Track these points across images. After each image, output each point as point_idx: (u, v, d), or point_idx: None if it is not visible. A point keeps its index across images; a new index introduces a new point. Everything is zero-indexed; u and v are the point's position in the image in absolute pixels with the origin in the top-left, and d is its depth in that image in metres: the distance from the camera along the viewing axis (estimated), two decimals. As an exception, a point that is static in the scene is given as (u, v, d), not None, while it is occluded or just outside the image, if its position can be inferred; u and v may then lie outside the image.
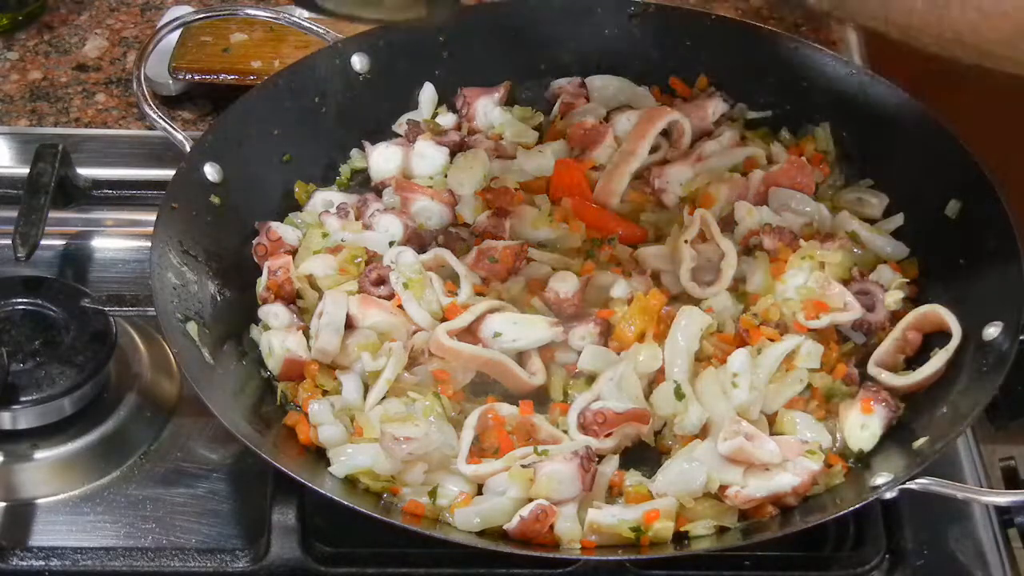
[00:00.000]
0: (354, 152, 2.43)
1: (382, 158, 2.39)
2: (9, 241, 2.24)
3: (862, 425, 2.03)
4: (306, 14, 2.58)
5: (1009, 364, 1.97)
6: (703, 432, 2.03)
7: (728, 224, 2.28)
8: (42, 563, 1.93)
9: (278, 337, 2.10)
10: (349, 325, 2.11)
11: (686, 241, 2.20)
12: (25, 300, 2.14)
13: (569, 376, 2.12)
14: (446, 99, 2.50)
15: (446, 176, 2.34)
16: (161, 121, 2.29)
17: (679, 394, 2.03)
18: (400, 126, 2.46)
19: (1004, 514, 2.03)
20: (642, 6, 2.50)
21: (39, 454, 2.07)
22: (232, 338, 2.13)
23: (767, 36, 2.48)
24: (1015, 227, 2.12)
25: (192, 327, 2.06)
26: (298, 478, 1.88)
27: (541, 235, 2.28)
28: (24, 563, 1.93)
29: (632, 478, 1.98)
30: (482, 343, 2.10)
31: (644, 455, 2.04)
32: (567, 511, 1.90)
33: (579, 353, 2.11)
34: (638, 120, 2.40)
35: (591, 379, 2.09)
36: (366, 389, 2.07)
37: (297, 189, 2.35)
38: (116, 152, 2.55)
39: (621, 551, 1.89)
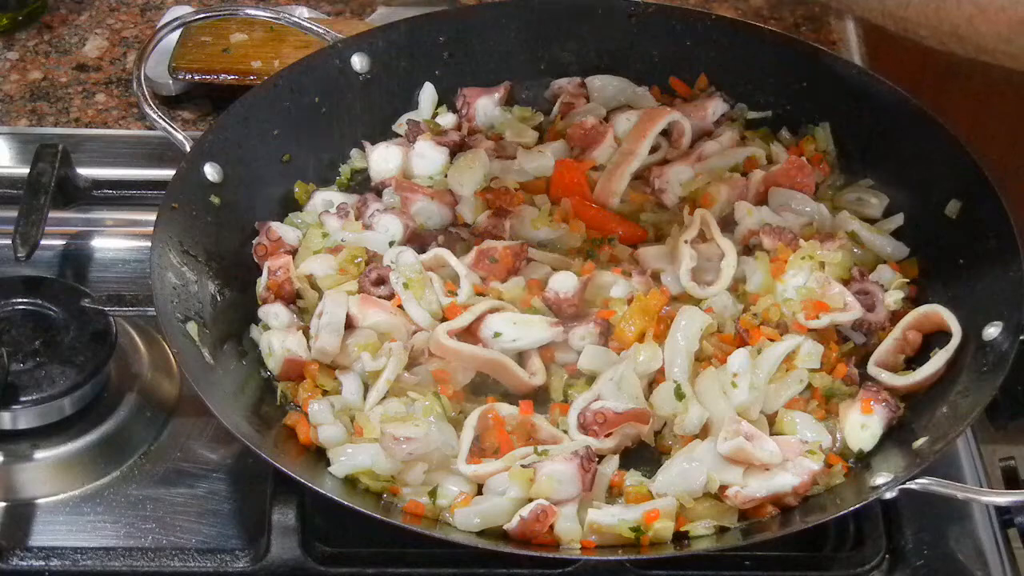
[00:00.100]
0: (354, 152, 2.43)
1: (382, 158, 2.39)
2: (9, 241, 2.24)
3: (862, 425, 2.03)
4: (306, 14, 2.59)
5: (1009, 364, 1.97)
6: (703, 432, 2.03)
7: (728, 224, 2.28)
8: (42, 563, 1.93)
9: (278, 337, 2.10)
10: (349, 325, 2.10)
11: (686, 241, 2.20)
12: (25, 300, 2.14)
13: (569, 376, 2.12)
14: (446, 99, 2.50)
15: (446, 176, 2.34)
16: (161, 121, 2.29)
17: (679, 394, 2.03)
18: (400, 126, 2.46)
19: (1004, 514, 2.03)
20: (642, 6, 2.50)
21: (39, 454, 2.07)
22: (232, 338, 2.13)
23: (767, 36, 2.48)
24: (1015, 227, 2.12)
25: (192, 327, 2.06)
26: (298, 478, 1.88)
27: (541, 235, 2.28)
28: (24, 563, 1.93)
29: (632, 478, 1.98)
30: (482, 343, 2.10)
31: (644, 455, 2.04)
32: (567, 511, 1.90)
33: (579, 353, 2.11)
34: (638, 120, 2.40)
35: (591, 379, 2.09)
36: (366, 389, 2.07)
37: (297, 189, 2.35)
38: (116, 152, 2.55)
39: (621, 551, 1.89)
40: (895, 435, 2.04)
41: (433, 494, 1.94)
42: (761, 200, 2.32)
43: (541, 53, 2.53)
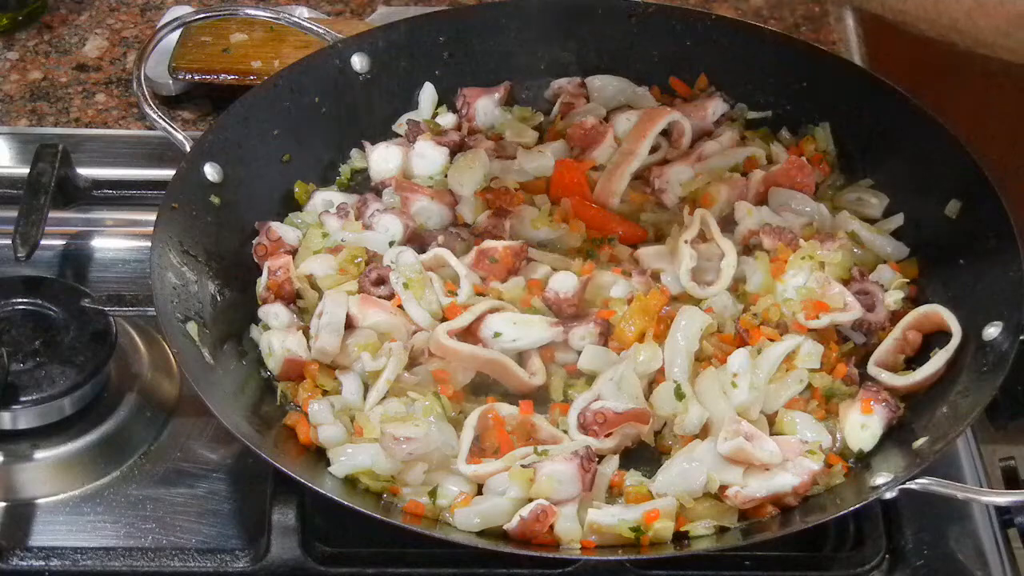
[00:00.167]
0: (354, 152, 2.43)
1: (382, 158, 2.39)
2: (9, 241, 2.24)
3: (862, 425, 2.03)
4: (306, 14, 2.59)
5: (1009, 364, 1.97)
6: (703, 432, 2.03)
7: (728, 224, 2.28)
8: (42, 563, 1.93)
9: (278, 337, 2.10)
10: (349, 325, 2.11)
11: (686, 241, 2.20)
12: (25, 300, 2.14)
13: (569, 376, 2.12)
14: (446, 99, 2.50)
15: (446, 176, 2.34)
16: (161, 121, 2.29)
17: (679, 394, 2.03)
18: (400, 126, 2.46)
19: (1004, 514, 2.03)
20: (642, 6, 2.50)
21: (39, 454, 2.07)
22: (232, 338, 2.13)
23: (767, 36, 2.48)
24: (1015, 227, 2.12)
25: (192, 327, 2.06)
26: (298, 478, 1.88)
27: (541, 235, 2.28)
28: (24, 563, 1.93)
29: (632, 478, 1.98)
30: (482, 343, 2.10)
31: (644, 455, 2.04)
32: (567, 511, 1.90)
33: (579, 353, 2.11)
34: (638, 120, 2.40)
35: (591, 379, 2.09)
36: (366, 389, 2.07)
37: (297, 189, 2.35)
38: (116, 152, 2.55)
39: (621, 551, 1.89)
40: (895, 435, 2.04)
41: (433, 494, 1.94)
42: (761, 200, 2.32)
43: (541, 53, 2.53)
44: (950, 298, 2.16)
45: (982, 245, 2.15)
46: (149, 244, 2.08)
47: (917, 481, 1.89)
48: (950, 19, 1.80)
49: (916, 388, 2.09)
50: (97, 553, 1.94)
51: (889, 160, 2.36)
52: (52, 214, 2.30)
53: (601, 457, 2.00)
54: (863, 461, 2.02)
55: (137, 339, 2.21)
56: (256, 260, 2.24)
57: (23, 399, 2.04)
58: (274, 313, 2.15)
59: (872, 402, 2.03)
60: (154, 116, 2.29)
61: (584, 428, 2.01)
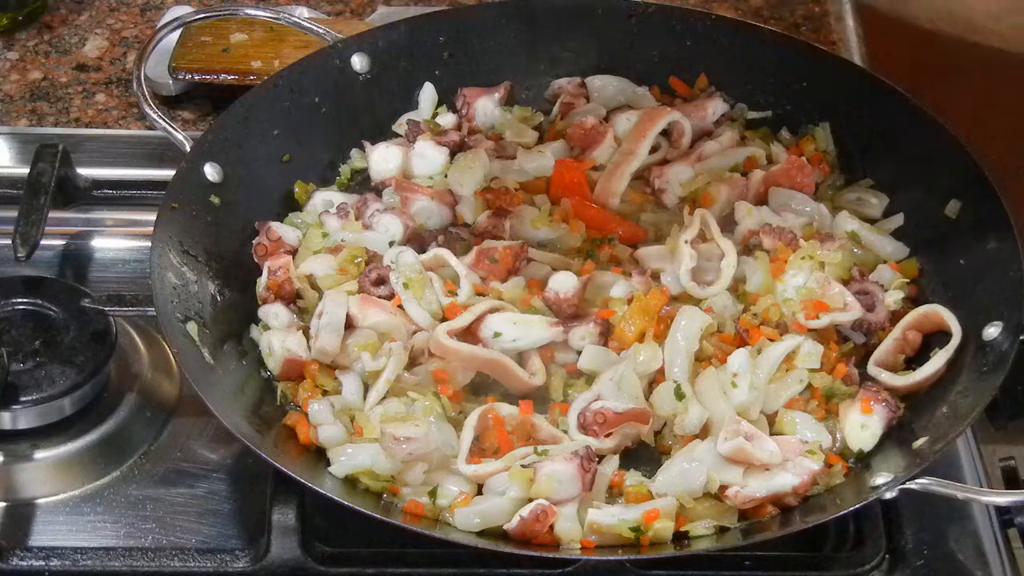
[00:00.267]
0: (354, 152, 2.43)
1: (382, 158, 2.39)
2: (9, 241, 2.24)
3: (862, 425, 2.03)
4: (306, 14, 2.59)
5: (1009, 364, 1.97)
6: (703, 432, 2.03)
7: (728, 224, 2.28)
8: (42, 563, 1.93)
9: (278, 337, 2.10)
10: (349, 325, 2.11)
11: (686, 241, 2.20)
12: (25, 300, 2.14)
13: (569, 376, 2.12)
14: (446, 99, 2.50)
15: (446, 176, 2.34)
16: (161, 121, 2.29)
17: (679, 394, 2.03)
18: (400, 126, 2.46)
19: (1004, 514, 2.03)
20: (642, 6, 2.50)
21: (39, 454, 2.07)
22: (232, 338, 2.13)
23: (767, 36, 2.48)
24: (1015, 227, 2.12)
25: (192, 327, 2.06)
26: (298, 478, 1.88)
27: (541, 235, 2.28)
28: (24, 563, 1.93)
29: (632, 478, 1.98)
30: (482, 343, 2.10)
31: (644, 455, 2.04)
32: (567, 511, 1.90)
33: (579, 353, 2.11)
34: (638, 120, 2.40)
35: (591, 379, 2.09)
36: (366, 389, 2.07)
37: (297, 189, 2.35)
38: (116, 152, 2.55)
39: (621, 551, 1.89)
40: (895, 435, 2.04)
41: (433, 494, 1.94)
42: (761, 200, 2.32)
43: (541, 53, 2.53)
44: (950, 298, 2.16)
45: (982, 245, 2.15)
46: (149, 244, 2.08)
47: (917, 481, 1.89)
48: (944, 4, 1.80)
49: (916, 388, 2.09)
50: (97, 553, 1.94)
51: (889, 160, 2.36)
52: (52, 214, 2.30)
53: (601, 457, 2.00)
54: (863, 461, 2.02)
55: (137, 339, 2.21)
56: (256, 260, 2.24)
57: (23, 399, 2.04)
58: (274, 313, 2.15)
59: (872, 402, 2.03)
60: (154, 116, 2.29)
61: (584, 428, 2.01)
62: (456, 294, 2.15)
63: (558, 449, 1.96)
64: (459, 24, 2.49)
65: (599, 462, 1.98)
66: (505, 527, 1.89)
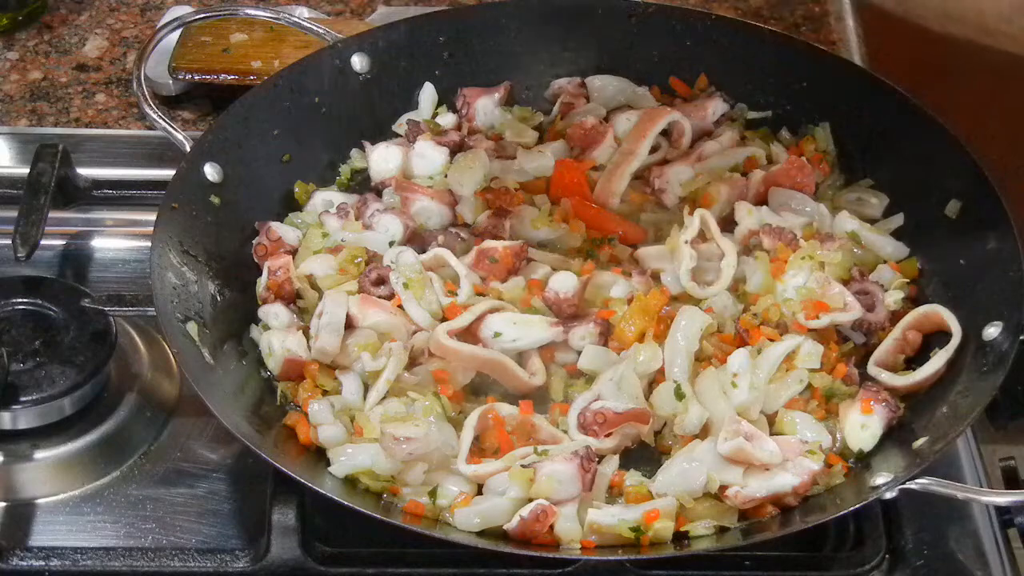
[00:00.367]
0: (354, 152, 2.43)
1: (382, 158, 2.39)
2: (9, 241, 2.24)
3: (862, 425, 2.03)
4: (306, 14, 2.58)
5: (1009, 364, 1.97)
6: (703, 432, 2.03)
7: (728, 224, 2.28)
8: (42, 563, 1.93)
9: (278, 337, 2.10)
10: (349, 325, 2.11)
11: (686, 241, 2.20)
12: (25, 300, 2.14)
13: (569, 376, 2.12)
14: (446, 99, 2.50)
15: (446, 176, 2.34)
16: (161, 121, 2.29)
17: (679, 394, 2.03)
18: (400, 126, 2.46)
19: (1004, 514, 2.03)
20: (642, 6, 2.50)
21: (39, 454, 2.07)
22: (232, 338, 2.13)
23: (767, 36, 2.48)
24: (1015, 227, 2.12)
25: (192, 327, 2.06)
26: (298, 478, 1.88)
27: (541, 235, 2.28)
28: (24, 563, 1.93)
29: (632, 478, 1.98)
30: (482, 343, 2.10)
31: (644, 455, 2.04)
32: (567, 511, 1.90)
33: (579, 353, 2.11)
34: (638, 120, 2.40)
35: (591, 379, 2.09)
36: (366, 389, 2.07)
37: (297, 189, 2.35)
38: (116, 152, 2.55)
39: (621, 551, 1.89)
40: (895, 435, 2.04)
41: (433, 494, 1.94)
42: (761, 200, 2.32)
43: (541, 53, 2.53)
44: (950, 298, 2.16)
45: (982, 245, 2.15)
46: (149, 244, 2.08)
47: (917, 481, 1.89)
48: (955, 5, 1.80)
49: (916, 388, 2.09)
50: (97, 553, 1.94)
51: (889, 160, 2.36)
52: (52, 214, 2.30)
53: (601, 457, 2.00)
54: (863, 461, 2.02)
55: (137, 339, 2.21)
56: (256, 260, 2.24)
57: (23, 399, 2.04)
58: (274, 313, 2.15)
59: (872, 402, 2.03)
60: (154, 116, 2.29)
61: (584, 428, 2.01)
62: (456, 294, 2.15)
63: (558, 449, 1.96)
64: (459, 24, 2.49)
65: (599, 462, 1.98)
66: (505, 527, 1.89)
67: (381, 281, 2.16)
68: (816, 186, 2.34)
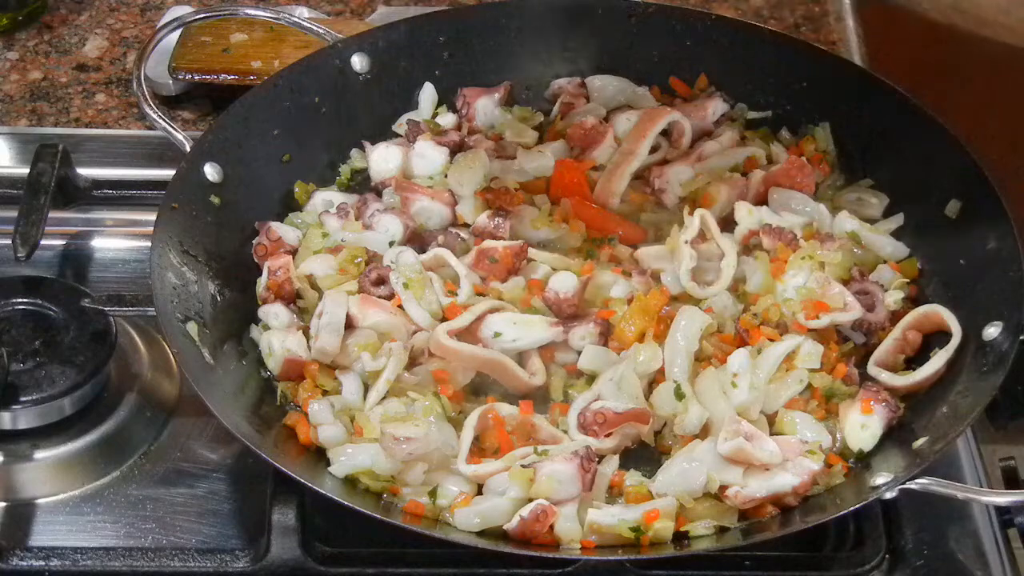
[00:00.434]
0: (354, 152, 2.43)
1: (382, 158, 2.39)
2: (9, 241, 2.24)
3: (862, 425, 2.03)
4: (306, 14, 2.58)
5: (1009, 364, 1.97)
6: (703, 432, 2.03)
7: (728, 224, 2.28)
8: (42, 563, 1.93)
9: (278, 337, 2.10)
10: (349, 325, 2.10)
11: (686, 241, 2.20)
12: (25, 300, 2.14)
13: (569, 376, 2.12)
14: (446, 99, 2.50)
15: (446, 176, 2.34)
16: (161, 121, 2.29)
17: (679, 394, 2.03)
18: (400, 126, 2.46)
19: (1004, 514, 2.03)
20: (642, 6, 2.50)
21: (39, 454, 2.07)
22: (232, 338, 2.13)
23: (767, 36, 2.48)
24: (1015, 227, 2.12)
25: (192, 327, 2.06)
26: (298, 478, 1.88)
27: (541, 235, 2.28)
28: (24, 563, 1.93)
29: (632, 478, 1.98)
30: (482, 343, 2.10)
31: (644, 455, 2.04)
32: (567, 511, 1.90)
33: (579, 353, 2.11)
34: (638, 120, 2.40)
35: (591, 379, 2.09)
36: (366, 389, 2.07)
37: (297, 189, 2.35)
38: (116, 152, 2.55)
39: (621, 551, 1.89)
40: (895, 435, 2.04)
41: (433, 494, 1.94)
42: (761, 200, 2.32)
43: (541, 53, 2.53)
44: (950, 298, 2.16)
45: (982, 245, 2.15)
46: (149, 244, 2.08)
47: (917, 481, 1.89)
48: None
49: (916, 388, 2.09)
50: (97, 553, 1.94)
51: (889, 160, 2.36)
52: (52, 214, 2.30)
53: (601, 457, 2.00)
54: (863, 461, 2.02)
55: (137, 339, 2.21)
56: (256, 260, 2.24)
57: (23, 399, 2.04)
58: (274, 313, 2.15)
59: (872, 402, 2.03)
60: (154, 116, 2.29)
61: (584, 428, 2.01)
62: (456, 294, 2.15)
63: (558, 449, 1.96)
64: (459, 24, 2.49)
65: (599, 462, 1.98)
66: (505, 527, 1.89)
67: (381, 281, 2.16)
68: (816, 186, 2.34)
